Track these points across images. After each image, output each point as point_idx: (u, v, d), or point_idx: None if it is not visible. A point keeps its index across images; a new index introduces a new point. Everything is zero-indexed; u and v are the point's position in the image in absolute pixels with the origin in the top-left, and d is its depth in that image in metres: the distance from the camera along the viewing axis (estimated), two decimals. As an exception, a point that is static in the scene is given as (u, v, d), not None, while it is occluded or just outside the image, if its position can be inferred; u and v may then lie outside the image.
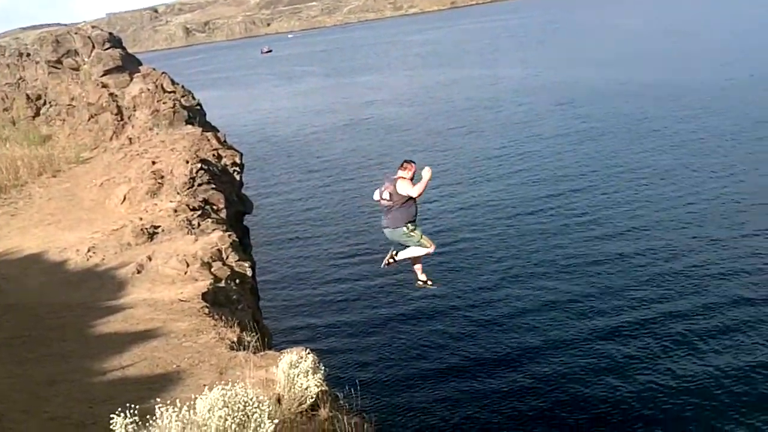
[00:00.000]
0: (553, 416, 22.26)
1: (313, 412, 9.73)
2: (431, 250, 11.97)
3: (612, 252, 34.23)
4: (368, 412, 11.46)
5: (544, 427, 21.80)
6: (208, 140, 30.79)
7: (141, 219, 23.16)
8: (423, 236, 11.86)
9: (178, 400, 7.86)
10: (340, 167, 58.45)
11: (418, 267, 12.97)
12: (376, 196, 11.96)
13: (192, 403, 7.82)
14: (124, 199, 25.85)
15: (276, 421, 7.76)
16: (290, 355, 10.20)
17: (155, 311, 15.84)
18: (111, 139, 35.82)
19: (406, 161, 11.74)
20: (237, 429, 7.41)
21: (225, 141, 32.34)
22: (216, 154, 29.46)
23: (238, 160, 30.05)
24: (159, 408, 7.61)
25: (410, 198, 11.46)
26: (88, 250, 21.24)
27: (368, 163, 58.47)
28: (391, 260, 12.61)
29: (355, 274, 36.43)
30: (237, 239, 21.44)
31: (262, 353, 12.69)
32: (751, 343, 24.32)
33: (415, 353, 27.51)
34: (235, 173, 29.28)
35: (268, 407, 7.94)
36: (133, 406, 7.66)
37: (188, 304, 16.07)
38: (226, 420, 7.38)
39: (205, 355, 12.81)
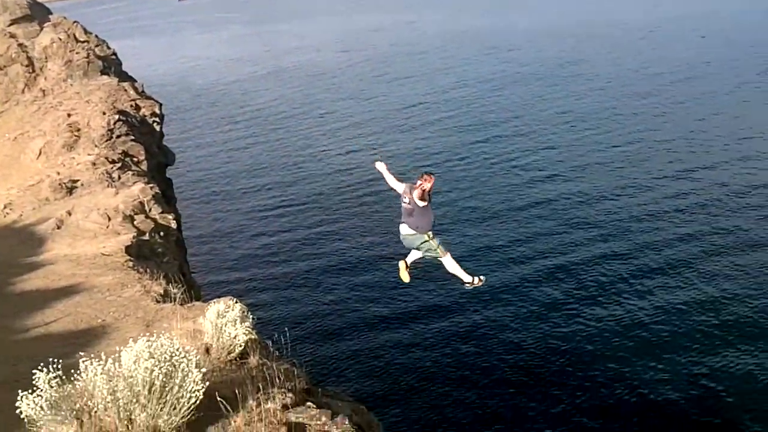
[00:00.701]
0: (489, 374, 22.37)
1: (243, 360, 9.73)
2: (447, 260, 11.97)
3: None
4: (299, 360, 11.56)
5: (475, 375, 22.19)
6: (125, 91, 29.78)
7: (58, 173, 22.39)
8: (440, 246, 11.89)
9: (103, 354, 7.74)
10: (264, 117, 57.59)
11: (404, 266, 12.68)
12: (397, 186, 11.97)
13: (117, 356, 7.72)
14: (40, 153, 24.89)
15: (204, 369, 7.73)
16: (217, 305, 10.13)
17: (77, 266, 15.47)
18: (23, 91, 34.18)
19: (426, 173, 11.70)
20: (164, 379, 7.36)
21: (143, 91, 31.31)
22: (134, 105, 28.55)
23: (157, 111, 29.19)
24: (83, 362, 7.49)
25: (427, 204, 11.56)
26: (5, 207, 20.49)
27: (293, 112, 57.80)
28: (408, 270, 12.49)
29: (282, 228, 36.26)
30: (160, 191, 20.98)
31: (189, 305, 12.58)
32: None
33: (342, 305, 27.70)
34: (155, 124, 28.47)
35: (196, 357, 7.90)
36: (56, 361, 7.51)
37: (111, 259, 15.73)
38: (152, 371, 7.31)
39: (131, 309, 12.62)
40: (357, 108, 56.41)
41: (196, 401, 7.58)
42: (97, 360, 7.46)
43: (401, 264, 12.39)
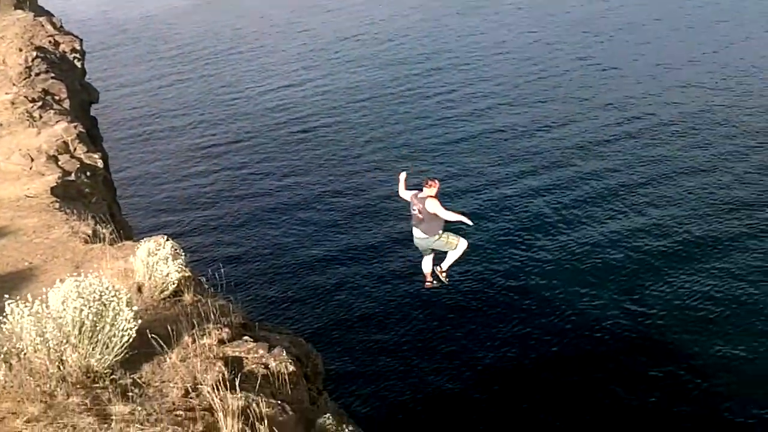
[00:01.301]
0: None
1: (177, 298, 9.61)
2: (465, 246, 12.61)
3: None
4: (235, 297, 11.49)
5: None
6: (42, 26, 28.37)
7: (-26, 114, 21.32)
8: (452, 237, 12.51)
9: (30, 296, 7.53)
10: (191, 53, 55.90)
11: (427, 267, 13.55)
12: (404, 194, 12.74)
13: (45, 297, 7.52)
14: (-48, 93, 23.62)
15: (136, 308, 7.60)
16: (148, 244, 9.93)
17: (0, 209, 14.90)
18: (-71, 28, 32.23)
19: (429, 179, 12.37)
20: (95, 319, 7.21)
21: (61, 27, 29.90)
22: (52, 41, 27.25)
23: (77, 47, 27.94)
24: (9, 305, 7.27)
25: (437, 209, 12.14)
26: None
27: (222, 47, 56.25)
28: (434, 280, 13.42)
29: (214, 168, 35.63)
30: (84, 130, 20.22)
31: (119, 245, 12.30)
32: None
33: (279, 246, 27.56)
34: (76, 60, 27.28)
35: (127, 295, 7.76)
36: (-20, 306, 7.28)
37: (36, 200, 15.20)
38: (82, 311, 7.15)
39: (59, 251, 12.28)
40: (288, 43, 55.23)
41: (129, 340, 7.47)
42: (24, 302, 7.25)
43: (426, 276, 13.42)
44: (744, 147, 30.62)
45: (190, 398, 6.95)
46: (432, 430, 17.09)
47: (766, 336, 19.35)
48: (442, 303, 22.48)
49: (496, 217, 27.38)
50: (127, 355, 7.56)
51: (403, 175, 12.81)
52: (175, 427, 6.26)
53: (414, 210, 12.33)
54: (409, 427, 17.15)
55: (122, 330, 7.39)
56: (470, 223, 12.23)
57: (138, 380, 7.40)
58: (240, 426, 6.08)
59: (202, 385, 7.01)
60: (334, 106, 41.77)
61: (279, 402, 7.04)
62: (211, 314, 8.92)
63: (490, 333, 20.77)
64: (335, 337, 21.26)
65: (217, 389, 6.77)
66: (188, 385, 7.22)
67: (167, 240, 10.27)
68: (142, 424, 6.25)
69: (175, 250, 10.11)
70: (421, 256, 13.25)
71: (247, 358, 8.17)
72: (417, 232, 12.56)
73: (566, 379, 18.39)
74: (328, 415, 7.06)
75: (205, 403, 6.78)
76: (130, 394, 6.87)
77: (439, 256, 12.96)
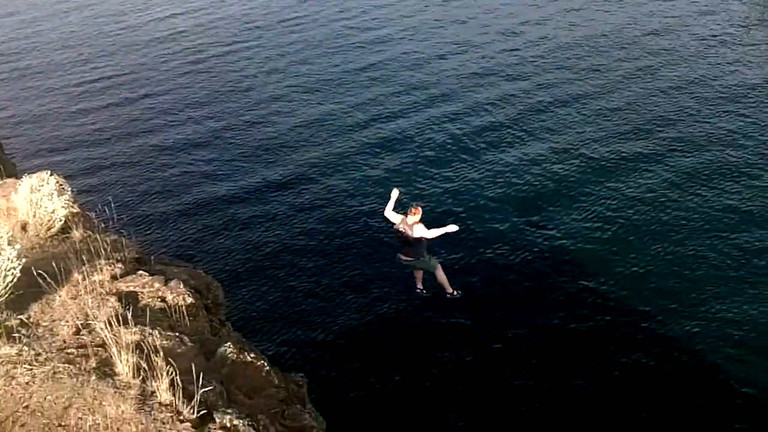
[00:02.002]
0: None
1: (65, 235, 9.20)
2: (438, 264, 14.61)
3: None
4: (128, 231, 11.11)
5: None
6: None
7: None
8: (433, 259, 14.38)
9: None
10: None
11: (419, 277, 15.47)
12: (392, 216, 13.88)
13: None
14: None
15: (19, 246, 7.22)
16: (30, 180, 9.41)
17: None
18: None
19: (413, 206, 13.63)
20: (-25, 260, 6.83)
21: None
22: None
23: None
24: None
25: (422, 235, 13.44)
26: None
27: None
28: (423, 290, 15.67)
29: (101, 104, 33.95)
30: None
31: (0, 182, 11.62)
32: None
33: (179, 185, 26.63)
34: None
35: (8, 234, 7.35)
36: None
37: None
38: (-42, 252, 6.75)
39: (-69, 192, 11.49)
40: None
41: (12, 280, 7.14)
42: None
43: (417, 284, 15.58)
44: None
45: (82, 335, 6.72)
46: (345, 365, 17.24)
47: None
48: (352, 230, 22.48)
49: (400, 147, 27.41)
50: (12, 296, 7.23)
51: (395, 194, 13.77)
52: (66, 364, 6.04)
53: (401, 234, 13.52)
54: (322, 365, 17.24)
55: (5, 270, 7.05)
56: (456, 228, 13.40)
57: (26, 321, 7.10)
58: (135, 359, 5.92)
59: (94, 321, 6.77)
60: (227, 35, 40.39)
61: (177, 334, 6.90)
62: (102, 250, 8.60)
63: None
64: (246, 278, 20.98)
65: (111, 325, 6.55)
66: (80, 322, 6.97)
67: (51, 175, 9.77)
68: (30, 364, 6.00)
69: (60, 185, 9.64)
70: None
71: (142, 292, 7.94)
72: (403, 257, 14.03)
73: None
74: (229, 344, 6.97)
75: (98, 339, 6.57)
76: (17, 335, 6.57)
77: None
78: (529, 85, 31.30)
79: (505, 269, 19.88)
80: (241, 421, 5.69)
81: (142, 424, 5.48)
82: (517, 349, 16.98)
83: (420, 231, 13.16)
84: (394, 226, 13.64)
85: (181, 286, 8.14)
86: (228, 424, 5.61)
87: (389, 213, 13.73)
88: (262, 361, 7.03)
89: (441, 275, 14.45)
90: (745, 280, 18.66)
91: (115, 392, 5.73)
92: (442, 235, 13.45)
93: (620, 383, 15.88)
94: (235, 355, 6.86)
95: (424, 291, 15.57)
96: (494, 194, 23.71)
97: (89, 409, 5.55)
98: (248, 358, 6.91)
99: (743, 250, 19.76)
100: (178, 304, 7.84)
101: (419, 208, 13.53)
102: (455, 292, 14.95)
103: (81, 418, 5.50)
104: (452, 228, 13.22)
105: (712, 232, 20.65)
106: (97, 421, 5.43)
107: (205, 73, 36.29)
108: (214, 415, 5.67)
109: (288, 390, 7.22)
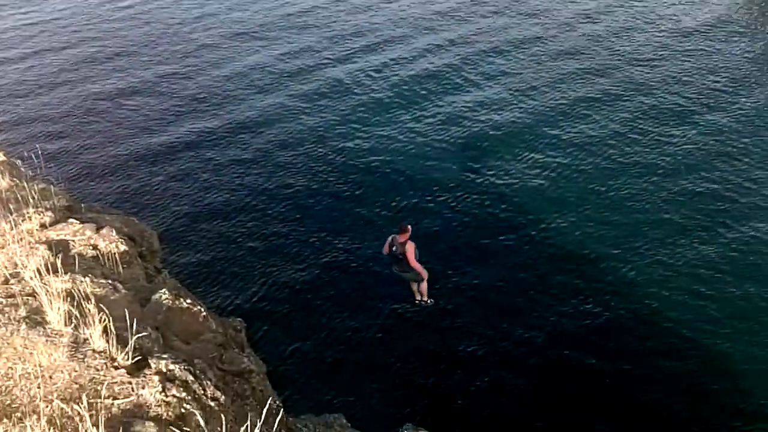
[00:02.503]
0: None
1: (-10, 185, 8.89)
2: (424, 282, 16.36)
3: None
4: (58, 178, 10.81)
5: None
6: None
7: None
8: (423, 270, 15.89)
9: None
10: None
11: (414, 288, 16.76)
12: (386, 250, 15.93)
13: None
14: None
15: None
16: (-50, 127, 9.02)
17: None
18: None
19: (402, 226, 15.76)
20: None
21: None
22: None
23: None
24: None
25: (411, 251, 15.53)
26: None
27: None
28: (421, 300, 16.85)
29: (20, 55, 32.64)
30: None
31: None
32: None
33: (116, 136, 25.92)
34: None
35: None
36: None
37: None
38: None
39: None
40: None
41: (-66, 229, 6.89)
42: None
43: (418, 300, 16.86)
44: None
45: (11, 285, 6.54)
46: (286, 314, 17.26)
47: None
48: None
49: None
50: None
51: (390, 239, 15.60)
52: (-6, 314, 5.89)
53: (393, 252, 15.52)
54: (262, 313, 17.23)
55: (-75, 219, 6.78)
56: (426, 276, 15.93)
57: (-51, 273, 6.87)
58: (66, 307, 5.80)
59: (23, 270, 6.59)
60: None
61: (110, 282, 6.77)
62: (31, 198, 8.36)
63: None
64: (178, 225, 20.70)
65: (40, 274, 6.40)
66: (8, 272, 6.78)
67: (-29, 122, 9.37)
68: (-46, 317, 5.84)
69: (-17, 133, 9.26)
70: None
71: (73, 240, 7.75)
72: (397, 270, 16.05)
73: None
74: (164, 290, 6.89)
75: (28, 288, 6.41)
76: (-61, 287, 6.37)
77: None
78: (472, 30, 31.26)
79: (451, 218, 20.09)
80: (178, 366, 5.66)
81: (75, 371, 5.41)
82: (465, 302, 17.27)
83: (410, 252, 15.23)
84: (386, 244, 15.62)
85: (114, 233, 7.97)
86: (164, 369, 5.57)
87: (385, 249, 15.78)
88: (199, 307, 6.98)
89: (424, 286, 16.24)
90: (684, 224, 19.25)
91: (47, 340, 5.63)
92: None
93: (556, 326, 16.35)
94: (171, 302, 6.79)
95: (427, 301, 16.59)
96: (436, 140, 23.81)
97: (20, 358, 5.44)
98: (184, 304, 6.85)
99: (683, 193, 20.38)
100: (110, 251, 7.70)
101: (408, 228, 15.49)
102: (428, 301, 16.54)
103: (11, 368, 5.39)
104: (424, 275, 15.75)
105: (654, 172, 21.18)
106: (28, 370, 5.34)
107: (138, 20, 35.16)
108: (150, 361, 5.62)
109: (226, 335, 7.20)
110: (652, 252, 18.23)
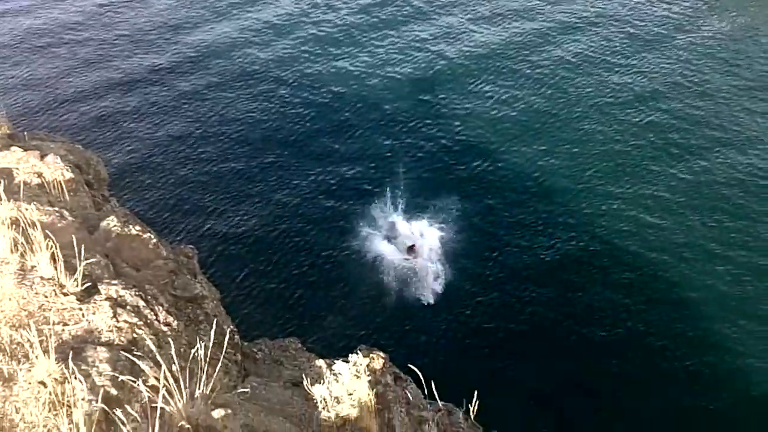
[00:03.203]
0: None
1: (-74, 111, 8.57)
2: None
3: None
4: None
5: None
6: None
7: None
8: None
9: None
10: None
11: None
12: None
13: None
14: None
15: None
16: None
17: None
18: None
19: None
20: None
21: None
22: None
23: None
24: None
25: None
26: None
27: None
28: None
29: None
30: None
31: None
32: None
33: (60, 72, 25.07)
34: None
35: None
36: None
37: None
38: None
39: None
40: None
41: None
42: None
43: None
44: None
45: (-47, 214, 6.39)
46: (240, 247, 17.23)
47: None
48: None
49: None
50: None
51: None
52: (-64, 243, 5.76)
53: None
54: (216, 242, 17.17)
55: None
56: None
57: None
58: (12, 235, 5.70)
59: (-35, 198, 6.43)
60: None
61: (56, 209, 6.66)
62: (-31, 126, 8.09)
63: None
64: (128, 156, 20.32)
65: (-17, 201, 6.26)
66: (-51, 200, 6.61)
67: None
68: None
69: None
70: None
71: (17, 168, 7.57)
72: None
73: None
74: (112, 217, 6.81)
75: (-29, 216, 6.26)
76: None
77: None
78: None
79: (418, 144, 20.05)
80: (128, 292, 5.65)
81: (23, 298, 5.36)
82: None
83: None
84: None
85: (59, 161, 7.80)
86: (114, 295, 5.56)
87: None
88: (149, 234, 6.92)
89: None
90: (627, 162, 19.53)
91: (-7, 268, 5.55)
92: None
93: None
94: (120, 229, 6.72)
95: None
96: (387, 75, 23.61)
97: (-35, 286, 5.37)
98: (134, 231, 6.79)
99: (635, 126, 20.64)
100: (56, 179, 7.54)
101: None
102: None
103: (-43, 296, 5.32)
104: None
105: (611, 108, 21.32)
106: (-26, 298, 5.27)
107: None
108: (100, 287, 5.59)
109: (177, 261, 7.18)
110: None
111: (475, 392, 6.17)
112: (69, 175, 7.69)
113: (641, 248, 17.18)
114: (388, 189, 18.28)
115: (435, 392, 6.25)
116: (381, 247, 17.19)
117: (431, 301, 16.02)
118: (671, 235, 17.40)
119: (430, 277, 16.54)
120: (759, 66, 22.67)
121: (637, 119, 20.83)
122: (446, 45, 24.58)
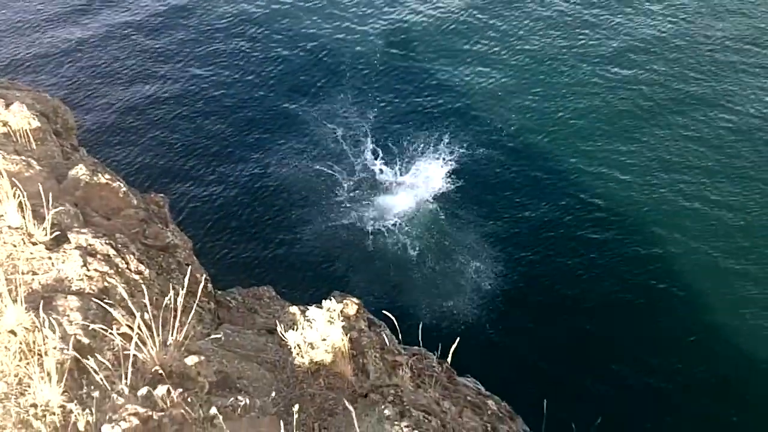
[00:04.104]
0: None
1: None
2: None
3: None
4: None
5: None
6: None
7: None
8: None
9: None
10: None
11: None
12: None
13: None
14: None
15: None
16: None
17: None
18: None
19: None
20: None
21: None
22: None
23: None
24: None
25: None
26: None
27: None
28: None
29: None
30: None
31: None
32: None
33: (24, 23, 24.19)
34: None
35: None
36: None
37: None
38: None
39: None
40: None
41: None
42: None
43: None
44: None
45: None
46: (211, 191, 17.10)
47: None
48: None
49: None
50: None
51: None
52: None
53: None
54: (186, 188, 17.04)
55: None
56: None
57: None
58: (-21, 183, 5.62)
59: (-72, 147, 6.31)
60: None
61: (23, 158, 6.56)
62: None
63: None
64: (94, 99, 19.93)
65: (-53, 150, 6.14)
66: None
67: None
68: None
69: None
70: None
71: (-19, 117, 7.42)
72: None
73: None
74: (81, 166, 6.72)
75: (-65, 166, 6.15)
76: None
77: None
78: None
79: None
80: (98, 240, 5.61)
81: (-9, 248, 5.31)
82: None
83: None
84: None
85: (25, 109, 7.65)
86: (84, 244, 5.52)
87: None
88: (119, 183, 6.85)
89: None
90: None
91: (-41, 218, 5.48)
92: None
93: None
94: (89, 178, 6.64)
95: None
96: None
97: (-69, 236, 5.30)
98: (103, 179, 6.72)
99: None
100: (22, 128, 7.40)
101: None
102: None
103: (-77, 246, 5.25)
104: None
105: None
106: (-59, 248, 5.21)
107: None
108: (69, 236, 5.55)
109: (148, 210, 7.13)
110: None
111: (457, 339, 6.25)
112: (36, 123, 7.55)
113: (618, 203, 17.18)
114: (367, 140, 18.19)
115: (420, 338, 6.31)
116: (358, 195, 17.19)
117: (410, 250, 16.10)
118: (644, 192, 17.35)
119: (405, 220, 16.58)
120: (740, 19, 22.32)
121: (626, 76, 20.61)
122: (419, 3, 24.01)
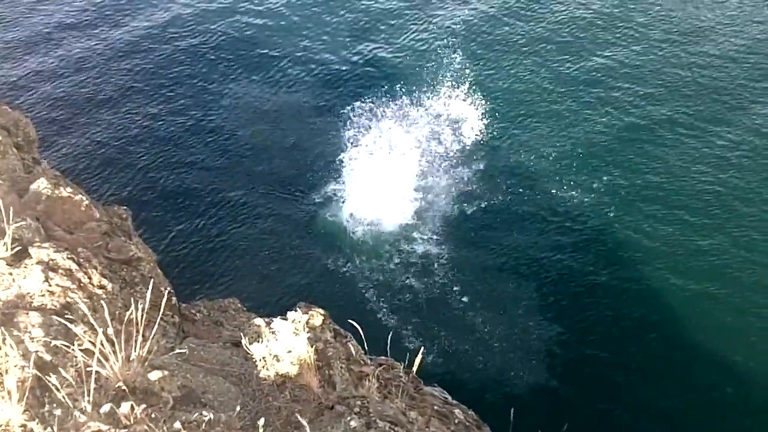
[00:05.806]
0: None
1: None
2: None
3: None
4: None
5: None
6: None
7: None
8: None
9: None
10: None
11: None
12: None
13: None
14: None
15: None
16: None
17: None
18: None
19: None
20: None
21: None
22: None
23: None
24: None
25: None
26: None
27: None
28: None
29: None
30: None
31: None
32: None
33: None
34: None
35: None
36: None
37: None
38: None
39: None
40: None
41: None
42: None
43: None
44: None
45: None
46: (176, 204, 16.97)
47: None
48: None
49: None
50: None
51: None
52: None
53: None
54: (149, 201, 16.86)
55: None
56: None
57: None
58: (-65, 199, 5.53)
59: None
60: None
61: (-17, 172, 6.46)
62: None
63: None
64: (58, 116, 19.63)
65: None
66: None
67: None
68: None
69: None
70: None
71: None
72: None
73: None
74: (42, 179, 6.64)
75: None
76: None
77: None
78: None
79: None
80: (60, 255, 5.55)
81: (-50, 264, 5.22)
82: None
83: None
84: None
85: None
86: (46, 259, 5.46)
87: None
88: (81, 196, 6.78)
89: None
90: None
91: None
92: None
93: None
94: (51, 191, 6.57)
95: None
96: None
97: None
98: (65, 193, 6.65)
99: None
100: (-18, 141, 7.30)
101: None
102: None
103: None
104: None
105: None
106: None
107: None
108: (30, 251, 5.48)
109: (111, 223, 7.07)
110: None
111: (421, 348, 6.31)
112: (-4, 137, 7.45)
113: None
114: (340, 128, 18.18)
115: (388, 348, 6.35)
116: (324, 203, 17.16)
117: (375, 260, 16.13)
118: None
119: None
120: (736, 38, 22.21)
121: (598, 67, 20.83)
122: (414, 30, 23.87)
